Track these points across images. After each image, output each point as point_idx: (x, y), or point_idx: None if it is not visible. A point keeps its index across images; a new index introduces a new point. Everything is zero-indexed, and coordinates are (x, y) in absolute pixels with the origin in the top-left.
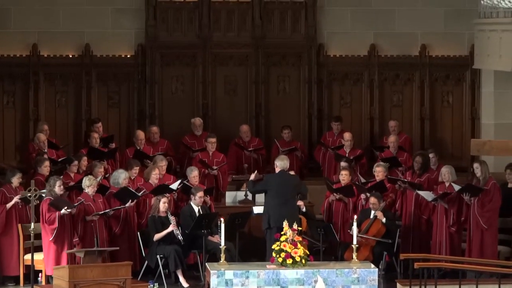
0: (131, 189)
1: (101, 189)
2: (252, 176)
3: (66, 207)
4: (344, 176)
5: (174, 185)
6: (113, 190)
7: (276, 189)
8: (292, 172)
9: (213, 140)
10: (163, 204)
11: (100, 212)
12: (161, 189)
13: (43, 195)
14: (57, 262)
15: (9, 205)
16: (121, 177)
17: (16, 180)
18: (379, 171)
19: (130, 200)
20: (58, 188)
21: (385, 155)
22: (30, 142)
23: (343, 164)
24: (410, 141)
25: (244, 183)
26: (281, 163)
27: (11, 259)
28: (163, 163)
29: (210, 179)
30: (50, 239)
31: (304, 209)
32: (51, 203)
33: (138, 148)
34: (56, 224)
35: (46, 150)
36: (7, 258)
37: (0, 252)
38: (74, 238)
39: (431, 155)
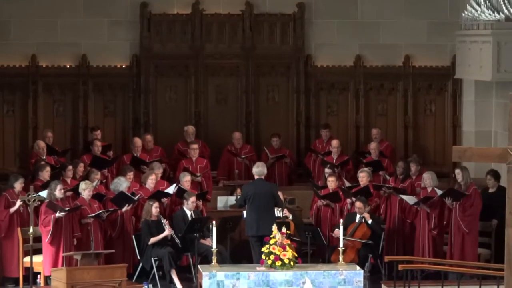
0: (127, 193)
1: (98, 196)
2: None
3: (58, 211)
4: (331, 182)
5: (170, 189)
6: (110, 196)
7: (252, 198)
8: None
9: (195, 146)
10: (155, 209)
11: (94, 214)
12: (158, 195)
13: (44, 197)
14: (55, 263)
15: (12, 209)
16: (122, 185)
17: (19, 185)
18: (362, 176)
19: (126, 205)
20: (58, 192)
21: (368, 160)
22: (32, 149)
23: (327, 170)
24: (391, 148)
25: (238, 189)
26: (256, 170)
27: (12, 261)
28: (160, 171)
29: (195, 185)
30: (46, 240)
31: (290, 217)
32: (48, 205)
33: (135, 154)
34: (50, 226)
35: (45, 157)
36: (8, 260)
37: (1, 254)
38: (75, 233)
39: (412, 164)
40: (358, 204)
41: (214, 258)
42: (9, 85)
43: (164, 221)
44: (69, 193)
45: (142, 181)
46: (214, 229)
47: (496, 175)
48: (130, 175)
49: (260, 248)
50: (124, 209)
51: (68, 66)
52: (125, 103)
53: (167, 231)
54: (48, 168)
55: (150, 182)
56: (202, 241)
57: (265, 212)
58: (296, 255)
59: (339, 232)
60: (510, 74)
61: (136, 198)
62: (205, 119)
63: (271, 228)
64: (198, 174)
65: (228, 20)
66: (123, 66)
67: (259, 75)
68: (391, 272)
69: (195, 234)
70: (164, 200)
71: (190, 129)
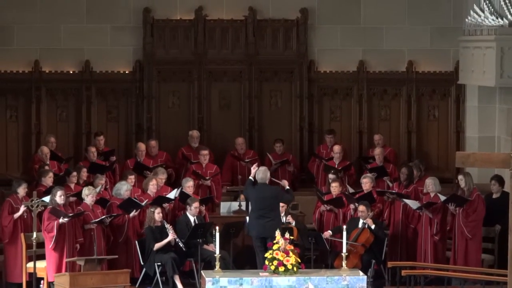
0: (134, 199)
1: (102, 201)
2: (252, 172)
3: (62, 217)
4: (334, 188)
5: (172, 194)
6: (114, 201)
7: (254, 203)
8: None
9: (205, 152)
10: (157, 215)
11: (97, 220)
12: (160, 200)
13: (48, 203)
14: (58, 269)
15: (16, 215)
16: (123, 188)
17: (22, 191)
18: (366, 182)
19: (134, 210)
20: (58, 198)
21: (372, 166)
22: (35, 154)
23: (331, 176)
24: (394, 153)
25: (241, 194)
26: (259, 176)
27: (15, 267)
28: (163, 177)
29: (203, 189)
30: (50, 246)
31: (293, 223)
32: (51, 211)
33: (139, 160)
34: (54, 232)
35: (48, 162)
36: (11, 266)
37: (5, 260)
38: (78, 238)
39: (413, 169)
40: (361, 207)
41: (217, 264)
42: (12, 91)
43: (167, 226)
44: (72, 199)
45: (143, 187)
46: (217, 234)
47: (500, 180)
48: (132, 178)
49: (263, 253)
50: (131, 214)
51: (71, 72)
52: (128, 109)
53: (171, 236)
54: (51, 174)
55: (152, 188)
56: (205, 246)
57: (269, 217)
58: (299, 260)
59: (329, 233)
60: None
61: (143, 204)
62: (208, 124)
63: (275, 230)
64: (207, 178)
65: (231, 26)
66: (126, 72)
67: (262, 81)
68: (394, 277)
69: (198, 240)
70: (166, 205)
71: (195, 133)
